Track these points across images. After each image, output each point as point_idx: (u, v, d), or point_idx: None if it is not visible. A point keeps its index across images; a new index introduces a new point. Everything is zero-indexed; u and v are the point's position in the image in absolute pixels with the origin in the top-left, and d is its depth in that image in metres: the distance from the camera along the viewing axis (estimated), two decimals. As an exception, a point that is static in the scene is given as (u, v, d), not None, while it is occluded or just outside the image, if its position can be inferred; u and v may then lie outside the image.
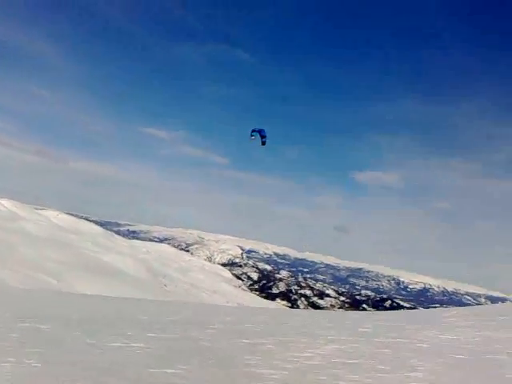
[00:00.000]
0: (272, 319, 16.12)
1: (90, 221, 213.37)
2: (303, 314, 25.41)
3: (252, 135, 12.63)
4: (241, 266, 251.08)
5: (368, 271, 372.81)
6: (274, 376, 5.71)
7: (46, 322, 11.01)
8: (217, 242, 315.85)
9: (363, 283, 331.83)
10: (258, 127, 12.49)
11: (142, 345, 7.35)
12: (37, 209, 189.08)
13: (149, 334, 8.77)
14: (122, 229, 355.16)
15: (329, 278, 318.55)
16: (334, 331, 11.77)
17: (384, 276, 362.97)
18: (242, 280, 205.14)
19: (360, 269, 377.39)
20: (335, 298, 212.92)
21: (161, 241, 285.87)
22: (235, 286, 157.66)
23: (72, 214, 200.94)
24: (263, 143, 12.55)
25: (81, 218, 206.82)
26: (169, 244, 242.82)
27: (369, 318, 17.98)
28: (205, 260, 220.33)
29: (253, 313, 22.04)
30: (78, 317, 13.33)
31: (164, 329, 9.88)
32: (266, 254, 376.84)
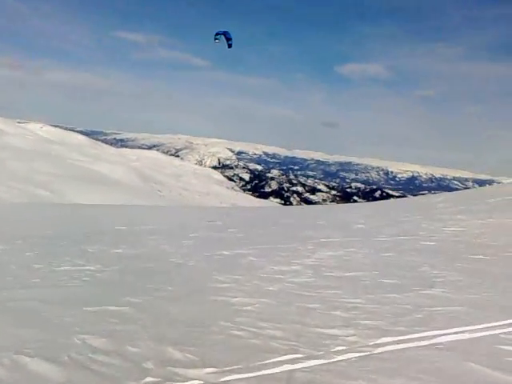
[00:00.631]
0: (259, 219, 16.42)
1: (76, 131, 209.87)
2: (294, 211, 26.15)
3: (216, 39, 12.23)
4: (232, 167, 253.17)
5: (357, 164, 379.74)
6: (248, 308, 4.10)
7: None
8: (206, 145, 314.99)
9: (353, 176, 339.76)
10: (222, 30, 12.19)
11: (96, 267, 6.06)
12: (20, 122, 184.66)
13: (114, 251, 7.66)
14: (108, 138, 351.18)
15: (319, 174, 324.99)
16: (327, 230, 10.82)
17: (373, 168, 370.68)
18: (234, 181, 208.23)
19: (349, 162, 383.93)
20: (326, 192, 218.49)
21: (149, 148, 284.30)
22: (227, 188, 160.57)
23: (57, 126, 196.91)
24: (229, 46, 12.25)
25: (66, 129, 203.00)
26: (158, 150, 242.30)
27: (361, 210, 18.48)
28: (195, 164, 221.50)
29: (241, 211, 22.76)
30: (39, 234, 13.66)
31: (134, 243, 8.89)
32: (255, 154, 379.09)
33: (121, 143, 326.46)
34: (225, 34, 12.11)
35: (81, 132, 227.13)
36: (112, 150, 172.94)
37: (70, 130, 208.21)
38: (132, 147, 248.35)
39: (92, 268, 5.99)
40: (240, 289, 4.82)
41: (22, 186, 67.91)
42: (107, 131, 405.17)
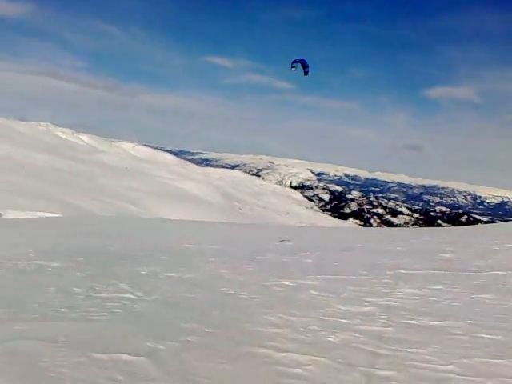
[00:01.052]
0: (334, 241, 15.14)
1: (165, 151, 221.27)
2: (373, 233, 24.37)
3: (293, 66, 12.10)
4: (312, 188, 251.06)
5: (442, 188, 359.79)
6: (295, 370, 3.08)
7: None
8: (287, 166, 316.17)
9: (437, 200, 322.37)
10: (298, 58, 12.10)
11: (136, 295, 5.43)
12: (114, 142, 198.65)
13: (167, 274, 6.99)
14: (195, 157, 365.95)
15: (401, 197, 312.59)
16: (407, 259, 9.22)
17: (459, 192, 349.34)
18: (314, 202, 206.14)
19: (434, 186, 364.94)
20: (408, 215, 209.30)
21: (232, 167, 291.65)
22: (307, 208, 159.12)
23: (148, 146, 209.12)
24: (306, 73, 12.07)
25: (156, 148, 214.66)
26: (240, 170, 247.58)
27: (446, 235, 16.58)
28: (276, 184, 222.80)
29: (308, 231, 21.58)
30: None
31: (193, 264, 8.19)
32: (336, 175, 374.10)
33: (206, 162, 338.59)
34: (301, 61, 11.97)
35: (170, 151, 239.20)
36: (198, 169, 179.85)
37: (159, 149, 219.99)
38: (216, 166, 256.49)
39: (131, 296, 5.31)
40: (291, 337, 3.80)
41: (112, 201, 71.98)
42: (194, 151, 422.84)
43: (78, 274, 7.07)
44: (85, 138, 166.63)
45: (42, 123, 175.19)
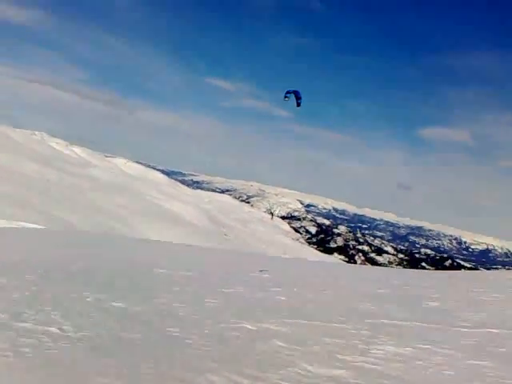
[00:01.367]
0: (315, 276, 14.30)
1: (157, 169, 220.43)
2: (356, 270, 23.59)
3: (286, 96, 12.22)
4: (299, 219, 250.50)
5: (429, 230, 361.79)
6: None
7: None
8: (277, 195, 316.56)
9: (423, 241, 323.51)
10: (292, 89, 12.23)
11: (69, 327, 4.71)
12: (107, 156, 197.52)
13: (116, 304, 6.13)
14: (186, 178, 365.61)
15: (388, 235, 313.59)
16: (390, 305, 8.13)
17: (445, 235, 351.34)
18: (301, 233, 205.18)
19: (420, 227, 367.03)
20: (393, 254, 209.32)
21: (222, 192, 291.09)
22: (293, 239, 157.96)
23: (140, 163, 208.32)
24: (298, 104, 12.16)
25: (148, 166, 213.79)
26: (230, 195, 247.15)
27: (431, 280, 15.86)
28: (264, 212, 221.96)
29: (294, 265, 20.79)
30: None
31: (150, 294, 7.26)
32: (325, 208, 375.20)
33: (197, 185, 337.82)
34: (295, 92, 11.98)
35: (162, 171, 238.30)
36: (188, 190, 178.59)
37: (151, 167, 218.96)
38: (207, 189, 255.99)
39: (56, 330, 4.40)
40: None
41: (98, 217, 70.59)
42: (185, 172, 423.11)
43: (15, 295, 6.18)
44: (78, 150, 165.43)
45: (36, 132, 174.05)
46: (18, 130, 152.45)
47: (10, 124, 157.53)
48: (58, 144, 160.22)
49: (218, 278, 11.11)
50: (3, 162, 78.10)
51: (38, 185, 73.59)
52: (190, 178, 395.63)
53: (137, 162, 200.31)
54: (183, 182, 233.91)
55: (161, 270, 11.22)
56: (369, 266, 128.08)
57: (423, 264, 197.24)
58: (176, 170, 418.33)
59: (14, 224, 33.34)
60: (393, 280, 14.49)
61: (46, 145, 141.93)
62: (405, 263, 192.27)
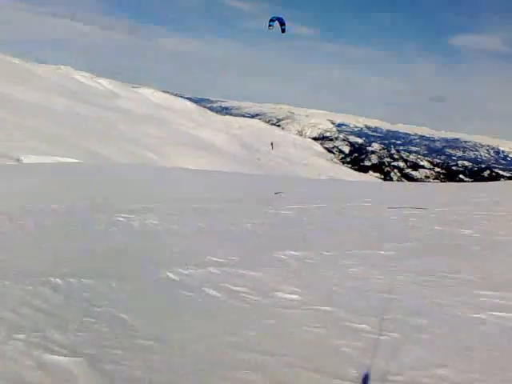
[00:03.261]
0: (334, 198, 14.06)
1: (185, 98, 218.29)
2: (386, 187, 23.23)
3: (270, 25, 12.49)
4: (332, 139, 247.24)
5: (465, 141, 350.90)
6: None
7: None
8: (307, 116, 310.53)
9: (460, 154, 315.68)
10: (275, 16, 12.50)
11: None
12: (133, 87, 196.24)
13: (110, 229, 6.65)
14: (214, 105, 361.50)
15: (423, 150, 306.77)
16: (414, 222, 8.08)
17: (482, 146, 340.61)
18: (334, 153, 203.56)
19: (457, 139, 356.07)
20: (430, 169, 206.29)
21: (252, 116, 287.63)
22: (327, 160, 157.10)
23: (167, 92, 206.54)
24: (283, 30, 12.65)
25: (175, 95, 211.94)
26: (260, 119, 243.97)
27: (472, 191, 15.41)
28: (296, 134, 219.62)
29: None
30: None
31: (144, 216, 7.88)
32: (356, 127, 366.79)
33: (225, 111, 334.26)
34: (278, 19, 12.51)
35: (189, 99, 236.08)
36: (217, 117, 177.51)
37: (179, 96, 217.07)
38: (236, 115, 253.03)
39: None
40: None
41: (131, 148, 71.60)
42: (213, 99, 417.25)
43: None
44: (104, 82, 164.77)
45: (61, 66, 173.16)
46: (42, 65, 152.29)
47: (34, 60, 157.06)
48: (83, 77, 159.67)
49: (228, 201, 11.36)
50: (31, 99, 78.79)
51: (68, 119, 74.42)
52: (219, 104, 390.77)
53: (164, 91, 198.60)
54: (212, 109, 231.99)
55: (175, 195, 11.43)
56: (405, 182, 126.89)
57: (461, 176, 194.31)
58: (204, 97, 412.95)
59: (49, 159, 33.54)
60: (429, 196, 14.18)
61: (71, 79, 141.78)
62: (442, 177, 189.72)
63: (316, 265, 4.92)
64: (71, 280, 3.87)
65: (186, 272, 4.32)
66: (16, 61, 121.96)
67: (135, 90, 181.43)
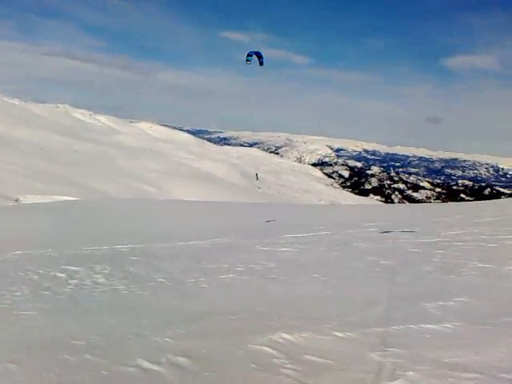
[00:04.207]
0: (335, 224, 13.55)
1: (183, 130, 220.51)
2: (389, 210, 22.77)
3: (247, 60, 12.77)
4: (331, 164, 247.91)
5: (464, 160, 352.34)
6: None
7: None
8: (305, 142, 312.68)
9: (459, 173, 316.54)
10: (252, 51, 12.81)
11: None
12: (132, 122, 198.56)
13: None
14: (212, 136, 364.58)
15: (422, 171, 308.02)
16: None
17: (481, 164, 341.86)
18: (334, 178, 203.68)
19: (455, 159, 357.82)
20: (430, 189, 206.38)
21: (250, 145, 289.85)
22: (327, 185, 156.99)
23: (165, 125, 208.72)
24: (261, 63, 12.81)
25: (173, 128, 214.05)
26: (258, 148, 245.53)
27: (477, 211, 14.92)
28: (295, 161, 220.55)
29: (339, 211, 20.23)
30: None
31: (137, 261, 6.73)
32: (355, 151, 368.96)
33: (224, 141, 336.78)
34: (256, 53, 12.61)
35: (187, 131, 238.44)
36: (215, 148, 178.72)
37: (177, 129, 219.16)
38: (234, 145, 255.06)
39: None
40: None
41: (130, 182, 71.46)
42: (211, 130, 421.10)
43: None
44: (102, 118, 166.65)
45: (59, 105, 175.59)
46: (41, 104, 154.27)
47: (33, 99, 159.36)
48: (82, 114, 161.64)
49: (221, 231, 10.85)
50: (29, 138, 79.31)
51: (67, 157, 74.68)
52: (217, 135, 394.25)
53: (162, 125, 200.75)
54: (210, 140, 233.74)
55: (173, 233, 10.90)
56: (407, 203, 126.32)
57: (462, 195, 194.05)
58: (202, 128, 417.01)
59: (47, 198, 33.17)
60: (448, 213, 13.68)
61: (70, 116, 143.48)
62: (443, 197, 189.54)
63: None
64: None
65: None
66: (15, 101, 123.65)
67: (134, 124, 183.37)
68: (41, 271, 5.86)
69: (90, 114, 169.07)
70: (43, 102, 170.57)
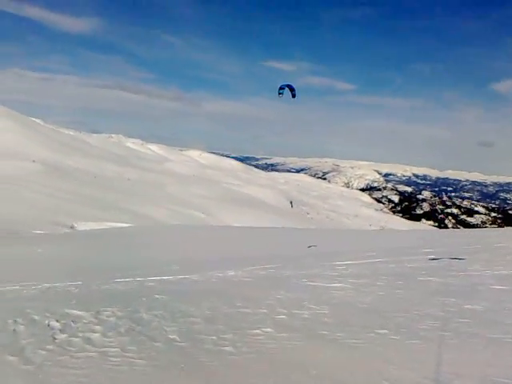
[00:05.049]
0: (383, 251, 12.64)
1: (230, 157, 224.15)
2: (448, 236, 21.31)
3: (280, 93, 12.91)
4: (380, 189, 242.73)
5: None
6: None
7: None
8: (352, 168, 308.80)
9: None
10: (284, 84, 12.98)
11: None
12: (181, 150, 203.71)
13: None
14: (260, 163, 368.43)
15: (476, 195, 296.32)
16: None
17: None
18: (383, 203, 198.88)
19: (509, 183, 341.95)
20: (486, 214, 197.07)
21: (297, 171, 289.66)
22: (376, 210, 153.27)
23: (214, 153, 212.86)
24: (293, 96, 12.94)
25: (221, 155, 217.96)
26: (305, 173, 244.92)
27: None
28: (342, 187, 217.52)
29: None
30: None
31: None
32: (404, 175, 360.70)
33: (271, 167, 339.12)
34: (288, 86, 12.79)
35: (235, 158, 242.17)
36: (262, 174, 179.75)
37: (225, 156, 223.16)
38: (281, 171, 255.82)
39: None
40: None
41: (180, 209, 72.56)
42: (258, 156, 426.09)
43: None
44: (154, 147, 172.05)
45: (113, 135, 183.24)
46: (95, 134, 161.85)
47: (87, 130, 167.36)
48: (134, 144, 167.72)
49: (257, 258, 10.25)
50: (85, 167, 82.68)
51: (119, 185, 77.08)
52: (264, 161, 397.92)
53: (210, 152, 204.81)
54: (257, 167, 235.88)
55: (212, 257, 10.48)
56: (461, 228, 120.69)
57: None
58: (249, 155, 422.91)
59: (101, 225, 34.24)
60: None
61: (123, 146, 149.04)
62: (499, 221, 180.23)
63: None
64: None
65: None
66: (71, 132, 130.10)
67: (183, 152, 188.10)
68: (36, 317, 4.75)
69: (142, 144, 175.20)
70: (97, 133, 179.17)
